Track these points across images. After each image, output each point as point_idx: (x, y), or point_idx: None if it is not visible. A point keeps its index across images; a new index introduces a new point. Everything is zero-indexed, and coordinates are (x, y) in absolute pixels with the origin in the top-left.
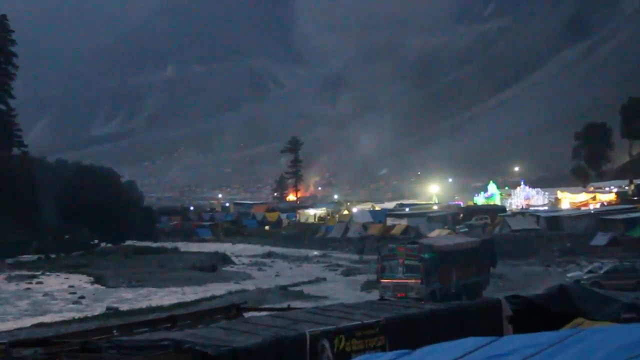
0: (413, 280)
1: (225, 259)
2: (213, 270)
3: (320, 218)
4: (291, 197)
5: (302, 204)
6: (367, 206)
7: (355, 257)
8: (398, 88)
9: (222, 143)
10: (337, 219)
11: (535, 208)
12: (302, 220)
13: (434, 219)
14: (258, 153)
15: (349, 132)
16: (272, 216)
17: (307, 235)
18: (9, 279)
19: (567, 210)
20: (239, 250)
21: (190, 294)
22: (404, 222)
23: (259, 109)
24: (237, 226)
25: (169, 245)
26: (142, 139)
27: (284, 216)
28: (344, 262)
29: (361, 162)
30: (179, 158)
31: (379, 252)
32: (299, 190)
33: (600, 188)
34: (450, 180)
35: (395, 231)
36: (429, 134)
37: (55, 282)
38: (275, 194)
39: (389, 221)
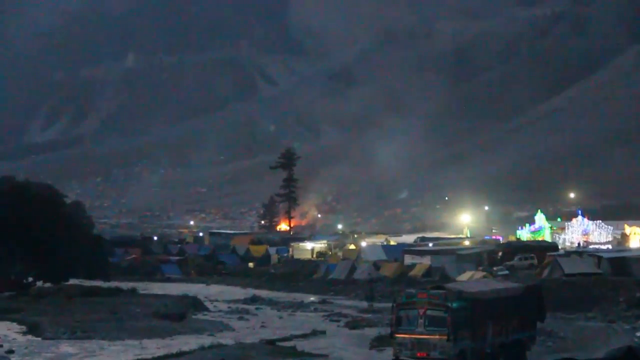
0: (437, 336)
1: (197, 304)
2: (181, 318)
3: (320, 254)
4: (283, 226)
5: (297, 236)
6: (380, 239)
7: (364, 304)
8: (424, 87)
9: (197, 155)
10: (341, 255)
11: (596, 246)
12: (297, 256)
13: (465, 258)
14: (242, 169)
15: (359, 142)
16: (258, 250)
17: (302, 275)
18: None
19: (638, 250)
20: (215, 294)
21: (151, 348)
22: (426, 261)
23: (244, 112)
24: (212, 262)
25: (125, 285)
26: (93, 148)
27: (272, 250)
28: (348, 311)
29: (374, 183)
30: (140, 173)
31: (394, 299)
32: (292, 217)
33: None
34: (486, 208)
35: (415, 272)
36: (461, 148)
37: None
38: (263, 221)
39: (407, 259)
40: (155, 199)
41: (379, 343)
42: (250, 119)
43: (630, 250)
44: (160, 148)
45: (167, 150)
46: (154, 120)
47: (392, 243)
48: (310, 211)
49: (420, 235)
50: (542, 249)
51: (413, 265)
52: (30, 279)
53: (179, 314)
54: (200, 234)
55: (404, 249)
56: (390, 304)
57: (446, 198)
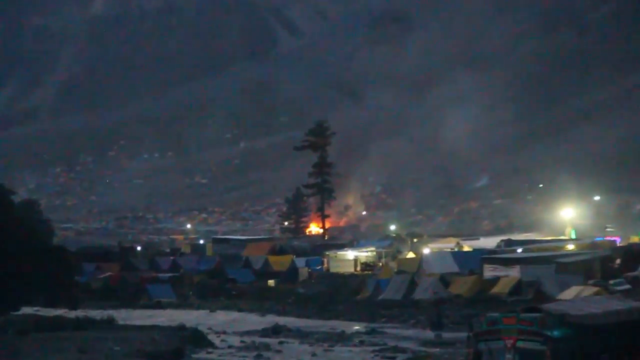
0: None
1: (198, 338)
2: (177, 358)
3: (367, 266)
4: (314, 228)
5: (334, 242)
6: (449, 244)
7: (429, 335)
8: (508, 34)
9: (194, 134)
10: (395, 267)
11: None
12: (334, 270)
13: (568, 268)
14: (256, 151)
15: (418, 111)
16: (281, 262)
17: (342, 295)
18: None
19: None
20: (223, 323)
21: None
22: (514, 273)
23: (258, 74)
24: (218, 280)
25: (98, 314)
26: (50, 127)
27: (301, 262)
28: (407, 344)
29: (440, 166)
30: (116, 160)
31: (471, 326)
32: (327, 216)
33: None
34: (597, 199)
35: (499, 289)
36: (559, 116)
37: None
38: (286, 223)
39: (488, 271)
40: (138, 195)
41: None
42: (266, 83)
43: None
44: (144, 125)
45: (153, 128)
46: (133, 87)
47: (466, 249)
48: (352, 207)
49: (505, 237)
50: None
51: (496, 280)
52: None
53: (173, 353)
54: (201, 242)
55: (482, 256)
56: (465, 334)
57: (540, 186)
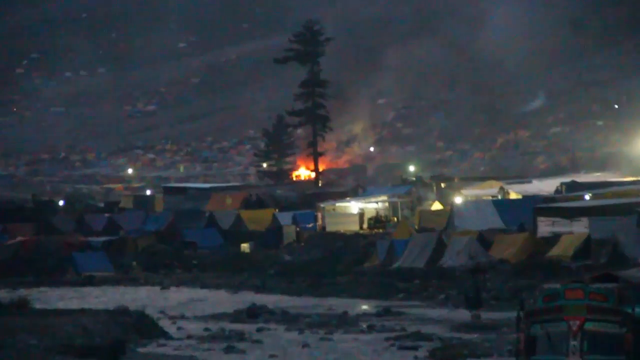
0: None
1: (145, 325)
2: (116, 354)
3: (377, 221)
4: (303, 171)
5: (330, 189)
6: (490, 190)
7: (463, 315)
8: None
9: (137, 41)
10: (415, 222)
11: None
12: (332, 228)
13: None
14: (221, 64)
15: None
16: (259, 218)
17: (342, 264)
18: None
19: None
20: (180, 304)
21: None
22: (580, 229)
23: None
24: (172, 245)
25: (5, 295)
26: None
27: (285, 218)
28: (434, 328)
29: (478, 81)
30: (27, 80)
31: (521, 302)
32: (322, 154)
33: None
34: None
35: (561, 251)
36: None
37: None
38: (265, 164)
39: (544, 226)
40: (58, 129)
41: None
42: None
43: None
44: (65, 29)
45: (79, 34)
46: None
47: (513, 196)
48: (355, 141)
49: (566, 179)
50: None
51: (556, 237)
52: None
53: (112, 347)
54: (147, 192)
55: (536, 206)
56: (513, 314)
57: (615, 107)
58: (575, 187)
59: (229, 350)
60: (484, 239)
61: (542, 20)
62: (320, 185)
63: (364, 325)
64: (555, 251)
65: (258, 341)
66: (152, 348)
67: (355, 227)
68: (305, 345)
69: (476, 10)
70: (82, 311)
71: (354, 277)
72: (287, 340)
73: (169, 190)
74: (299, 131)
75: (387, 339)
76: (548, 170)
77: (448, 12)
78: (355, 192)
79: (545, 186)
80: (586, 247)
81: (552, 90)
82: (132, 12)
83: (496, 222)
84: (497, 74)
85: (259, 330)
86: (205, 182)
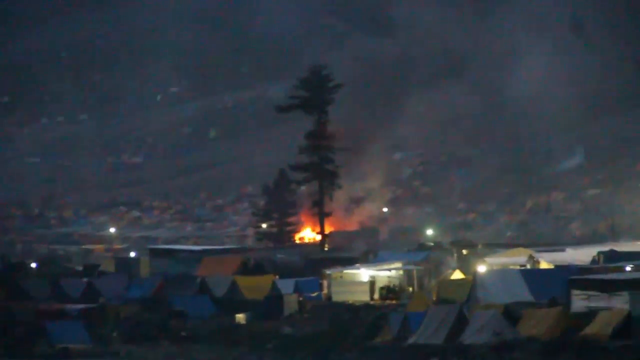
0: None
1: None
2: None
3: (390, 291)
4: (307, 233)
5: (338, 254)
6: (518, 258)
7: None
8: None
9: (124, 84)
10: (433, 293)
11: None
12: (338, 298)
13: None
14: (217, 112)
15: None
16: (256, 286)
17: (351, 338)
18: None
19: None
20: None
21: None
22: (620, 304)
23: None
24: (159, 314)
25: None
26: None
27: (287, 286)
28: None
29: (507, 135)
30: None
31: None
32: (328, 215)
33: None
34: None
35: (598, 329)
36: None
37: None
38: (264, 225)
39: (579, 301)
40: (33, 182)
41: None
42: (235, 7)
43: None
44: (43, 69)
45: (58, 75)
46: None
47: (544, 266)
48: (367, 200)
49: (605, 248)
50: None
51: (593, 313)
52: None
53: None
54: (132, 254)
55: (570, 278)
56: None
57: None
58: (614, 257)
59: None
60: (511, 314)
61: (583, 65)
62: (326, 249)
63: None
64: (591, 329)
65: None
66: None
67: (365, 298)
68: None
69: (509, 50)
70: None
71: (364, 353)
72: None
73: (156, 253)
74: (304, 188)
75: None
76: (584, 238)
77: (477, 53)
78: (366, 258)
79: (581, 255)
80: (626, 325)
81: (592, 146)
82: (119, 51)
83: (524, 294)
84: (529, 126)
85: None
86: (197, 244)
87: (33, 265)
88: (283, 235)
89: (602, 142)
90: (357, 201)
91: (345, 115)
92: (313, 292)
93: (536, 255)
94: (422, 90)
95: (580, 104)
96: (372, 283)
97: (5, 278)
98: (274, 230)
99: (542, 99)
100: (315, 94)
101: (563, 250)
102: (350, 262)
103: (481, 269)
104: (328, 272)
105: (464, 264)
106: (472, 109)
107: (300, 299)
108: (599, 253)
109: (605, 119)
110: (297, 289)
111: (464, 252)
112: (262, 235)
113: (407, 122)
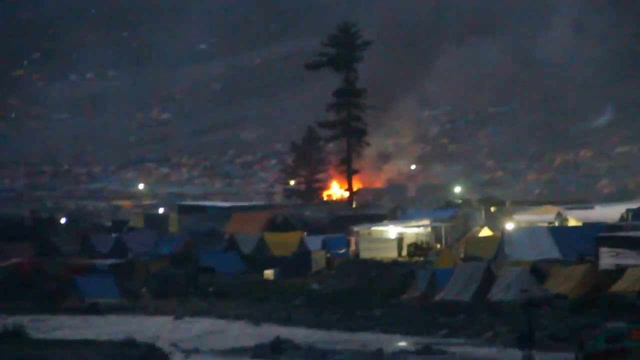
0: None
1: (155, 359)
2: None
3: (417, 248)
4: (335, 189)
5: (365, 211)
6: (546, 216)
7: (515, 355)
8: None
9: (153, 42)
10: (461, 250)
11: None
12: (365, 255)
13: None
14: (246, 70)
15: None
16: (284, 243)
17: (378, 295)
18: None
19: None
20: (195, 337)
21: None
22: None
23: None
24: (187, 270)
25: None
26: None
27: (314, 243)
28: None
29: (537, 93)
30: (28, 83)
31: (580, 342)
32: (356, 172)
33: None
34: None
35: (626, 285)
36: None
37: None
38: (292, 182)
39: (607, 258)
40: (62, 138)
41: None
42: None
43: None
44: (72, 26)
45: (87, 32)
46: None
47: (572, 223)
48: (395, 157)
49: (633, 205)
50: None
51: (621, 270)
52: None
53: None
54: (160, 210)
55: (598, 235)
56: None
57: None
58: None
59: None
60: (539, 271)
61: (617, 23)
62: (354, 206)
63: None
64: (619, 286)
65: None
66: None
67: (392, 254)
68: None
69: (542, 8)
70: (85, 342)
71: (391, 310)
72: None
73: (184, 209)
74: (332, 146)
75: None
76: (612, 195)
77: (509, 10)
78: (394, 215)
79: (609, 213)
80: None
81: (621, 103)
82: (147, 8)
83: (552, 251)
84: (559, 84)
85: None
86: (225, 200)
87: (63, 221)
88: (311, 192)
89: (632, 100)
90: (385, 158)
91: (374, 72)
92: (341, 249)
93: (564, 212)
94: (452, 47)
95: (611, 62)
96: (399, 240)
97: (36, 234)
98: (302, 187)
99: (573, 57)
100: (344, 51)
101: (591, 208)
102: (378, 219)
103: (509, 226)
104: (356, 229)
105: (492, 221)
106: (502, 66)
107: (328, 255)
108: (628, 210)
109: (636, 76)
110: (324, 246)
111: (492, 209)
112: (290, 192)
113: (436, 80)
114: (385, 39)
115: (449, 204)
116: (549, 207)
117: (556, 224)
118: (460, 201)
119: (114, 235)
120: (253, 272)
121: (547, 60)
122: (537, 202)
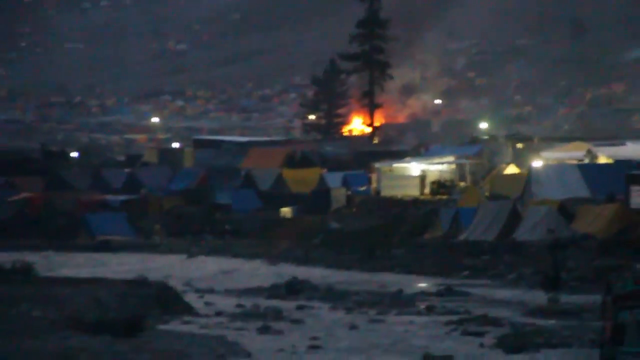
0: None
1: (169, 299)
2: (134, 331)
3: (441, 186)
4: (356, 124)
5: (387, 148)
6: (575, 153)
7: (539, 297)
8: None
9: None
10: (486, 188)
11: None
12: (387, 192)
13: None
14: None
15: None
16: (303, 179)
17: (399, 234)
18: None
19: None
20: (210, 276)
21: None
22: None
23: None
24: (202, 207)
25: (7, 259)
26: None
27: (334, 180)
28: (504, 311)
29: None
30: (38, 11)
31: (608, 284)
32: (378, 106)
33: None
34: None
35: None
36: None
37: None
38: (312, 116)
39: (637, 197)
40: (73, 68)
41: None
42: None
43: None
44: None
45: None
46: None
47: (602, 161)
48: (418, 92)
49: None
50: None
51: None
52: None
53: (129, 322)
54: (175, 145)
55: (629, 173)
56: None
57: None
58: None
59: (264, 330)
60: (566, 210)
61: None
62: (376, 142)
63: (422, 307)
64: None
65: (298, 321)
66: (175, 325)
67: (415, 192)
68: (353, 327)
69: None
70: (96, 281)
71: (412, 250)
72: (332, 321)
73: (200, 144)
74: (354, 79)
75: (448, 323)
76: None
77: None
78: (417, 152)
79: None
80: None
81: None
82: None
83: (581, 190)
84: (593, 13)
85: (299, 308)
86: (242, 135)
87: (74, 154)
88: (331, 127)
89: None
90: (409, 93)
91: (398, 1)
92: (361, 186)
93: (595, 149)
94: None
95: None
96: (422, 177)
97: (46, 168)
98: (322, 121)
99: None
100: None
101: (623, 144)
102: (401, 155)
103: (536, 163)
104: (377, 165)
105: (519, 158)
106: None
107: (349, 192)
108: None
109: None
110: (345, 183)
111: (519, 145)
112: (309, 127)
113: (463, 10)
114: None
115: (474, 140)
116: (578, 143)
117: (586, 161)
118: (486, 137)
119: (126, 170)
120: (270, 209)
121: None
122: (567, 139)
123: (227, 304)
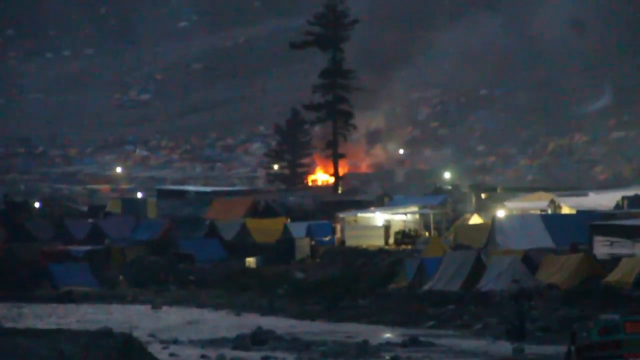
0: None
1: (132, 350)
2: None
3: (405, 236)
4: (320, 175)
5: (351, 197)
6: (539, 203)
7: (505, 347)
8: None
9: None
10: (450, 239)
11: None
12: (351, 242)
13: None
14: (228, 48)
15: None
16: (267, 230)
17: (364, 284)
18: None
19: None
20: (174, 327)
21: None
22: None
23: None
24: (166, 258)
25: None
26: None
27: (299, 230)
28: None
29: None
30: (2, 60)
31: (573, 334)
32: (342, 156)
33: None
34: None
35: (619, 276)
36: None
37: None
38: (276, 166)
39: (601, 247)
40: (36, 118)
41: None
42: None
43: None
44: (45, 2)
45: (62, 5)
46: None
47: (565, 211)
48: (382, 141)
49: (629, 192)
50: None
51: (615, 260)
52: None
53: None
54: (139, 195)
55: (592, 223)
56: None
57: None
58: (639, 202)
59: None
60: (530, 260)
61: (614, 4)
62: (340, 192)
63: (387, 357)
64: (613, 276)
65: None
66: None
67: (379, 242)
68: None
69: None
70: (59, 332)
71: (377, 300)
72: None
73: (163, 194)
74: (317, 128)
75: None
76: (607, 182)
77: None
78: (381, 202)
79: (604, 200)
80: None
81: (619, 87)
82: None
83: (544, 240)
84: (555, 64)
85: (264, 359)
86: (206, 185)
87: (36, 205)
88: (295, 177)
89: (630, 84)
90: (372, 143)
91: (361, 52)
92: (326, 236)
93: (558, 199)
94: (443, 25)
95: (610, 44)
96: (387, 227)
97: (8, 218)
98: (286, 171)
99: (571, 38)
100: (330, 30)
101: (586, 195)
102: (365, 205)
103: (500, 213)
104: (341, 215)
105: (483, 209)
106: (497, 44)
107: (313, 243)
108: (623, 198)
109: (634, 59)
110: (309, 233)
111: (483, 196)
112: (273, 177)
113: (425, 60)
114: (375, 15)
115: (438, 190)
116: (541, 193)
117: (549, 211)
118: (449, 187)
119: (90, 220)
120: (234, 259)
121: (544, 38)
122: (530, 189)
123: (192, 354)
